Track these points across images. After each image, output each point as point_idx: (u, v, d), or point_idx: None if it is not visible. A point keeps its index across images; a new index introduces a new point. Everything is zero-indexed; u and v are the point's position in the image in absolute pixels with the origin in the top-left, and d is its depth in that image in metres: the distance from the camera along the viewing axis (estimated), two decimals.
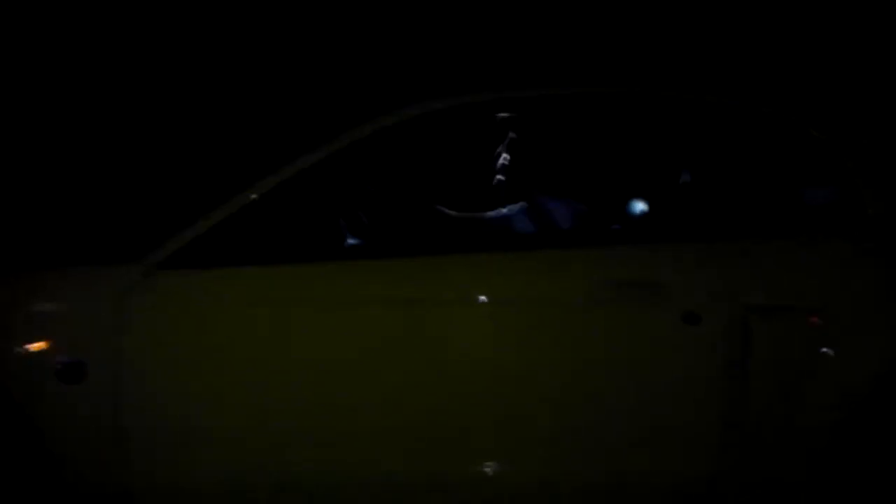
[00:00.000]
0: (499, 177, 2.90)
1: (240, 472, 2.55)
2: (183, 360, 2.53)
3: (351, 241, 2.71)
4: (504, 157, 2.92)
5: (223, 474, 2.56)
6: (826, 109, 2.80)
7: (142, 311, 2.50)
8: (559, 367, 2.55)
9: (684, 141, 2.72)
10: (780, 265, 2.58)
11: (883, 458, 2.55)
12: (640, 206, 2.75)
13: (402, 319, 2.54)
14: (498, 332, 2.56)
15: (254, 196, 2.57)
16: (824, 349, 2.52)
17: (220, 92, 5.01)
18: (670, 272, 2.56)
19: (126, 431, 2.50)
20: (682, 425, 2.54)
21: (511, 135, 2.93)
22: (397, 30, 5.04)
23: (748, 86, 2.86)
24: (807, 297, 2.55)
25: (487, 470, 2.55)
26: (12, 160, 4.52)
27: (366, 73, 4.86)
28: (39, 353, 2.49)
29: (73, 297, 2.54)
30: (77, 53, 5.03)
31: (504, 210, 2.79)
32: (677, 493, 2.58)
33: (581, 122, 2.81)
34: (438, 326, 2.55)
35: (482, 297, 2.56)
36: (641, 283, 2.55)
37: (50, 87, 4.95)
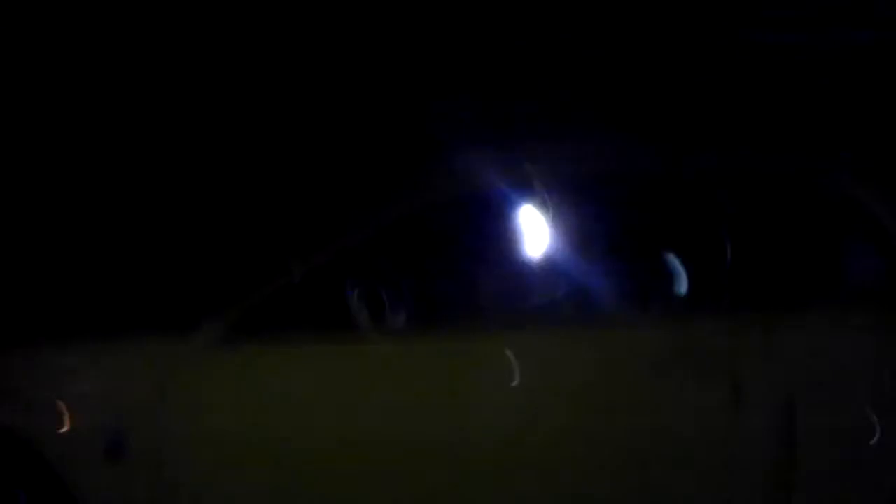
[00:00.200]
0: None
1: None
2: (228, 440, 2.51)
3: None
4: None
5: None
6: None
7: (188, 387, 2.49)
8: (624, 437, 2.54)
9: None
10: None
11: None
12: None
13: (442, 395, 2.53)
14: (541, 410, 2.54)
15: (295, 276, 2.56)
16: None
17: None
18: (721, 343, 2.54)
19: None
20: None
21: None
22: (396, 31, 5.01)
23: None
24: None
25: None
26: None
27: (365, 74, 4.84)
28: (87, 428, 2.49)
29: (121, 372, 2.54)
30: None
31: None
32: None
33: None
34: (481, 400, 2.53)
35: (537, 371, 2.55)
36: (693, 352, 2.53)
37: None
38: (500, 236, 2.78)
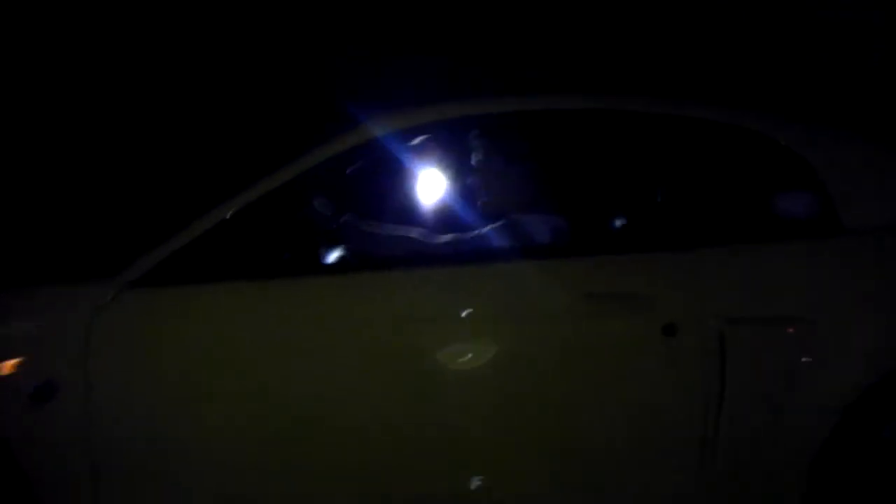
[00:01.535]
0: (479, 194, 2.92)
1: (213, 494, 2.52)
2: (151, 380, 2.49)
3: (328, 256, 2.71)
4: (478, 174, 2.94)
5: (193, 497, 2.53)
6: (800, 111, 2.83)
7: (110, 330, 2.47)
8: (537, 381, 2.53)
9: (658, 150, 2.72)
10: (757, 274, 2.56)
11: (865, 472, 2.53)
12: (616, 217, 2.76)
13: (380, 335, 2.52)
14: (476, 347, 2.54)
15: (229, 213, 2.55)
16: (804, 359, 2.50)
17: (203, 95, 4.98)
18: (648, 283, 2.55)
19: (96, 453, 2.47)
20: (663, 438, 2.53)
21: (482, 151, 2.95)
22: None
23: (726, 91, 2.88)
24: (784, 306, 2.54)
25: (474, 485, 2.53)
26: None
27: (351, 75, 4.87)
28: (13, 372, 2.45)
29: (46, 316, 2.51)
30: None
31: (484, 229, 2.80)
32: None
33: (553, 135, 2.84)
34: (417, 342, 2.52)
35: (462, 313, 2.54)
36: (621, 296, 2.54)
37: (41, 91, 4.88)
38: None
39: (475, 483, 2.54)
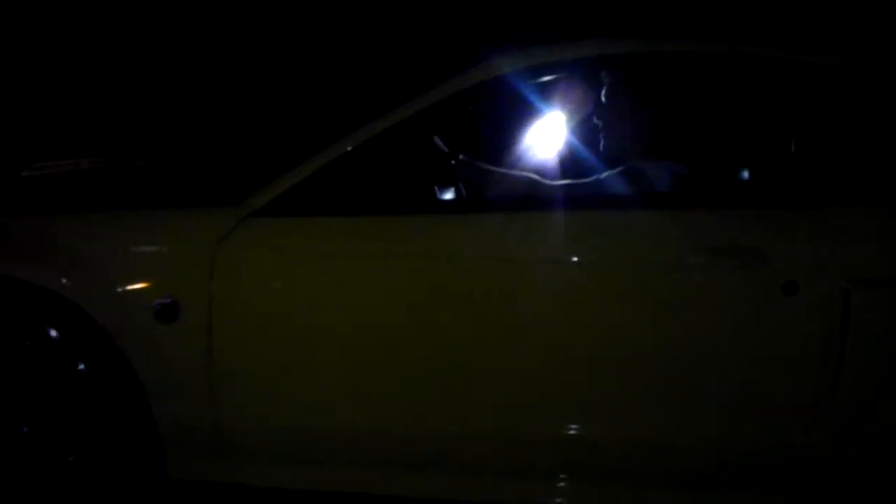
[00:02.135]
0: (603, 138, 2.85)
1: (321, 415, 2.59)
2: (270, 306, 2.55)
3: (445, 195, 2.70)
4: (604, 118, 2.87)
5: (306, 418, 2.59)
6: None
7: (233, 256, 2.53)
8: (650, 331, 2.50)
9: (784, 103, 2.58)
10: (884, 234, 2.46)
11: None
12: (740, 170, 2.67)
13: (490, 274, 2.51)
14: (589, 293, 2.51)
15: (350, 146, 2.56)
16: None
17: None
18: (771, 239, 2.47)
19: (217, 371, 2.55)
20: (778, 394, 2.48)
21: (605, 95, 2.88)
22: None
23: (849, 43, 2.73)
24: None
25: (573, 430, 2.53)
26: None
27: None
28: (138, 292, 2.54)
29: (171, 239, 2.59)
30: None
31: (603, 175, 2.76)
32: (770, 461, 2.52)
33: (678, 81, 2.75)
34: (528, 285, 2.51)
35: (573, 258, 2.51)
36: (740, 250, 2.47)
37: None
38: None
39: (576, 428, 2.54)
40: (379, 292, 2.53)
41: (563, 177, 2.87)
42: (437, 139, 2.82)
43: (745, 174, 2.64)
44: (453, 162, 2.83)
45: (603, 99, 2.88)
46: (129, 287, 2.55)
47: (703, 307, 2.48)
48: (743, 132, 2.63)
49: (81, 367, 2.60)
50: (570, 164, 2.96)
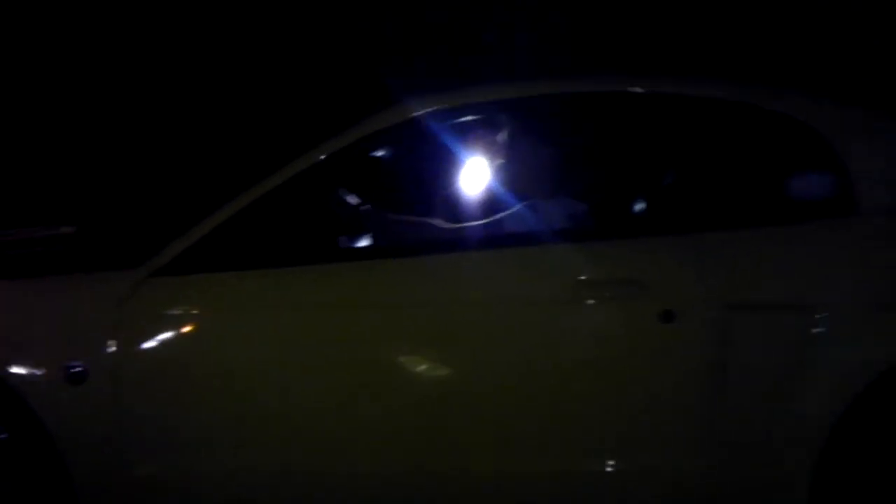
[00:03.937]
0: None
1: (236, 472, 2.64)
2: (171, 360, 2.62)
3: (347, 243, 2.78)
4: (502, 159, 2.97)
5: (219, 476, 2.64)
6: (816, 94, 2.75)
7: (135, 315, 2.60)
8: (535, 366, 2.54)
9: (662, 135, 2.69)
10: (764, 259, 2.51)
11: (875, 459, 2.47)
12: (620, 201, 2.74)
13: (380, 321, 2.58)
14: (462, 333, 2.57)
15: (246, 202, 2.64)
16: (809, 346, 2.43)
17: (219, 92, 5.09)
18: (644, 269, 2.51)
19: (126, 433, 2.61)
20: (662, 421, 2.51)
21: (507, 137, 2.99)
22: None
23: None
24: (792, 293, 2.48)
25: (474, 466, 2.57)
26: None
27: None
28: (48, 356, 2.61)
29: (76, 303, 2.66)
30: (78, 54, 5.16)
31: (500, 215, 2.85)
32: (660, 487, 2.55)
33: (566, 121, 2.86)
34: (418, 328, 2.58)
35: (458, 298, 2.57)
36: (615, 282, 2.53)
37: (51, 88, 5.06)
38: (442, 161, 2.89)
39: (476, 463, 2.58)
40: (273, 341, 2.60)
41: (464, 219, 2.95)
42: (339, 187, 2.91)
43: (626, 205, 2.73)
44: (354, 209, 2.92)
45: (506, 140, 3.00)
46: (40, 351, 2.62)
47: (582, 340, 2.54)
48: (621, 165, 2.74)
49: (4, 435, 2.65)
50: (472, 205, 3.04)
